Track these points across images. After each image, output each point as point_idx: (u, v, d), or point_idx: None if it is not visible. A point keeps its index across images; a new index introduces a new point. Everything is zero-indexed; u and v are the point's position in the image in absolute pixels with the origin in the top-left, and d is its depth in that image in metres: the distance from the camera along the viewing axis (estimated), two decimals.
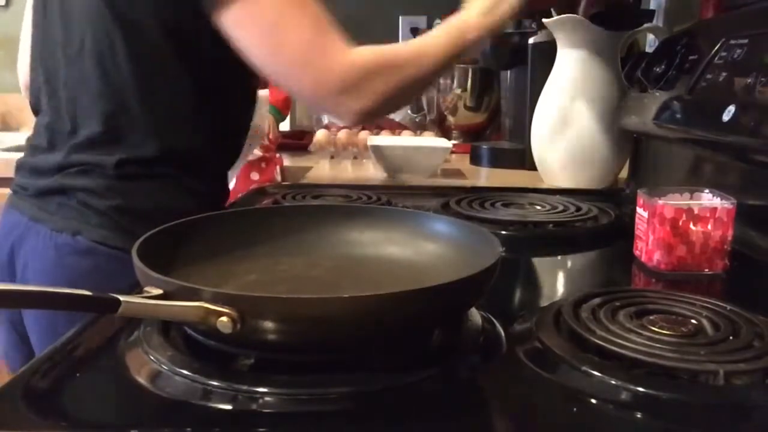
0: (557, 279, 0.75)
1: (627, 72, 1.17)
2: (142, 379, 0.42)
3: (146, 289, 0.43)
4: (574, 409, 0.40)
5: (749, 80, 0.72)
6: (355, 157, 1.58)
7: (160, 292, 0.42)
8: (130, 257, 0.47)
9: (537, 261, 0.78)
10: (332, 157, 1.61)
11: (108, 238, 0.81)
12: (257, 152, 1.53)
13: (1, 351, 0.95)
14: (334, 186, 1.13)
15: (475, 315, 0.50)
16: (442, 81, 1.78)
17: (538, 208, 0.92)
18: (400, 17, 2.12)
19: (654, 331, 0.46)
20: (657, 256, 0.68)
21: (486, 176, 1.40)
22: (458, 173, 1.40)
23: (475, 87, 1.77)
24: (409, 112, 1.98)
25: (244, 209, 0.73)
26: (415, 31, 2.11)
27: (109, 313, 0.41)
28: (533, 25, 1.38)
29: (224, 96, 0.90)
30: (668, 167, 0.99)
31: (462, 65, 1.76)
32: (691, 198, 0.70)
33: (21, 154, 0.93)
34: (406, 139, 1.55)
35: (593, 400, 0.40)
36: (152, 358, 0.44)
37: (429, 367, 0.43)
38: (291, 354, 0.43)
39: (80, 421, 0.40)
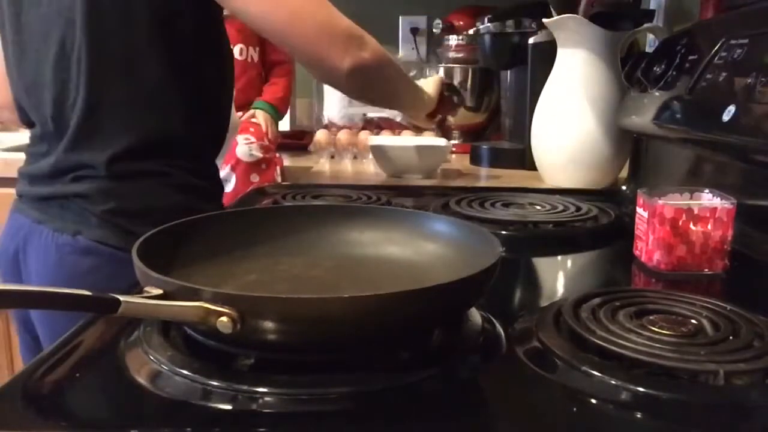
0: (557, 279, 0.75)
1: (627, 72, 1.17)
2: (142, 379, 0.42)
3: (146, 289, 0.43)
4: (574, 409, 0.40)
5: (749, 80, 0.72)
6: (355, 157, 1.58)
7: (160, 292, 0.42)
8: (129, 257, 0.47)
9: (537, 261, 0.78)
10: (332, 157, 1.61)
11: (107, 238, 0.82)
12: (257, 153, 1.53)
13: (21, 354, 0.98)
14: (334, 186, 1.13)
15: (475, 315, 0.50)
16: None
17: (538, 208, 0.92)
18: (400, 17, 2.12)
19: (654, 331, 0.46)
20: (657, 256, 0.67)
21: (486, 176, 1.40)
22: (458, 173, 1.40)
23: (475, 87, 1.77)
24: None
25: (244, 209, 0.73)
26: (415, 31, 2.11)
27: (109, 313, 0.41)
28: (533, 25, 1.38)
29: (200, 77, 0.90)
30: (668, 167, 0.99)
31: (462, 65, 1.76)
32: (691, 198, 0.70)
33: (21, 154, 0.94)
34: (406, 139, 1.55)
35: (593, 400, 0.40)
36: (152, 358, 0.44)
37: (429, 367, 0.43)
38: (291, 354, 0.43)
39: (80, 421, 0.40)
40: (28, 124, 0.93)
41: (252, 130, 1.59)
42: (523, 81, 1.39)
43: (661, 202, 0.67)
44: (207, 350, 0.44)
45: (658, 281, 0.67)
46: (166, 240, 0.53)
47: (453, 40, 1.77)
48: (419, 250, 0.59)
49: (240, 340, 0.42)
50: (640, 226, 0.70)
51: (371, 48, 0.86)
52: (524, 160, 1.36)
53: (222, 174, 1.37)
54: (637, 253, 0.71)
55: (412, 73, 2.03)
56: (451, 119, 1.81)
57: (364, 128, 1.75)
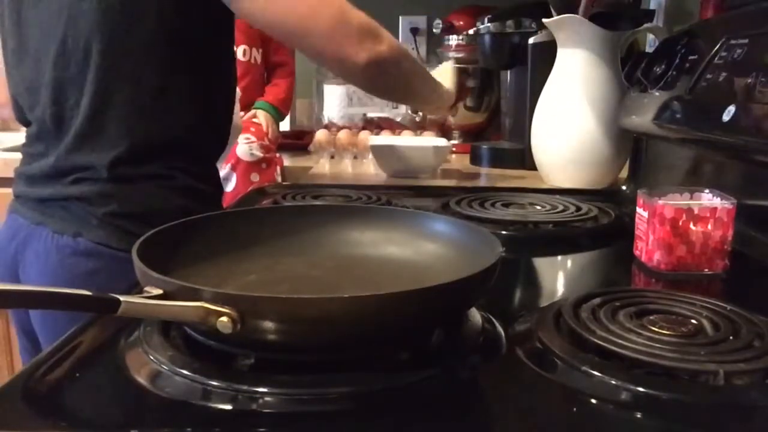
0: (557, 279, 0.75)
1: (627, 72, 1.17)
2: (142, 379, 0.42)
3: (146, 289, 0.43)
4: (574, 409, 0.40)
5: (749, 80, 0.72)
6: (355, 157, 1.58)
7: (160, 292, 0.42)
8: (130, 257, 0.47)
9: (537, 261, 0.78)
10: (332, 157, 1.60)
11: (108, 239, 0.82)
12: (257, 153, 1.53)
13: (21, 356, 0.98)
14: (334, 186, 1.13)
15: (475, 315, 0.50)
16: None
17: (538, 208, 0.92)
18: (400, 17, 2.12)
19: (654, 331, 0.46)
20: (657, 256, 0.67)
21: (486, 176, 1.40)
22: (458, 173, 1.40)
23: (475, 87, 1.77)
24: (409, 112, 1.98)
25: (244, 209, 0.73)
26: (415, 31, 2.11)
27: (109, 313, 0.41)
28: (533, 25, 1.38)
29: (206, 81, 0.90)
30: (668, 167, 0.99)
31: (462, 65, 1.76)
32: (691, 198, 0.70)
33: (20, 155, 0.94)
34: (406, 139, 1.55)
35: (593, 400, 0.40)
36: (152, 358, 0.44)
37: (429, 367, 0.43)
38: (291, 354, 0.43)
39: (80, 421, 0.40)
40: (25, 122, 0.93)
41: (253, 129, 1.59)
42: (523, 81, 1.39)
43: (661, 202, 0.67)
44: (207, 350, 0.44)
45: (658, 281, 0.67)
46: (166, 240, 0.53)
47: (453, 40, 1.77)
48: (419, 250, 0.59)
49: (240, 340, 0.42)
50: (640, 226, 0.70)
51: (387, 41, 0.85)
52: (524, 160, 1.36)
53: (222, 173, 1.37)
54: (637, 253, 0.71)
55: None
56: (451, 119, 1.81)
57: (364, 128, 1.75)
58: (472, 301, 0.49)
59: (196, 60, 0.87)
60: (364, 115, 1.93)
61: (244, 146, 1.53)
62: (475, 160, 1.51)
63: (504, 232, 0.80)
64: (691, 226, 0.66)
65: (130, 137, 0.83)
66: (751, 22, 0.81)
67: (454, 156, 1.56)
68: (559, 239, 0.83)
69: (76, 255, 0.82)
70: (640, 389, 0.40)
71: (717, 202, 0.67)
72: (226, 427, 0.38)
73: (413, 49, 2.10)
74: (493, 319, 0.51)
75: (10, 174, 0.94)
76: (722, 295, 0.63)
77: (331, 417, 0.39)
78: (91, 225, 0.82)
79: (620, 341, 0.44)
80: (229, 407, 0.39)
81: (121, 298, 0.40)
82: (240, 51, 1.72)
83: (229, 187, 1.50)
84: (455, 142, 1.74)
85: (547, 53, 1.24)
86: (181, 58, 0.84)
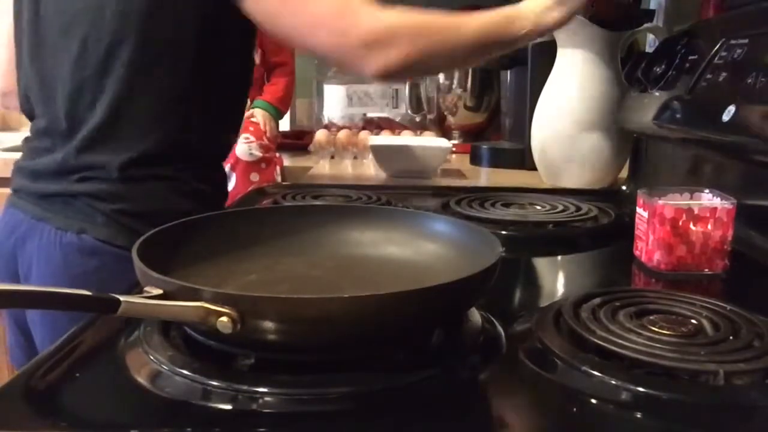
0: (557, 279, 0.75)
1: (627, 72, 1.17)
2: (142, 379, 0.42)
3: (146, 289, 0.43)
4: (574, 409, 0.40)
5: (749, 80, 0.72)
6: (355, 157, 1.58)
7: (160, 292, 0.42)
8: None
9: (537, 261, 0.78)
10: (332, 157, 1.61)
11: (114, 238, 0.81)
12: (257, 153, 1.53)
13: (9, 350, 0.96)
14: (334, 186, 1.13)
15: (475, 315, 0.50)
16: (442, 80, 1.78)
17: (538, 208, 0.92)
18: None
19: (654, 331, 0.46)
20: (657, 256, 0.67)
21: (486, 176, 1.40)
22: (458, 173, 1.40)
23: (475, 87, 1.77)
24: (409, 112, 1.98)
25: (244, 209, 0.73)
26: None
27: (109, 313, 0.41)
28: None
29: (224, 89, 0.90)
30: (668, 167, 0.99)
31: None
32: (691, 198, 0.70)
33: (20, 155, 0.93)
34: (406, 139, 1.55)
35: (593, 400, 0.40)
36: (152, 358, 0.44)
37: (429, 367, 0.43)
38: (291, 354, 0.43)
39: (80, 421, 0.40)
40: (30, 115, 0.92)
41: (251, 129, 1.59)
42: (523, 81, 1.39)
43: (661, 202, 0.67)
44: (207, 350, 0.44)
45: (658, 281, 0.67)
46: (166, 240, 0.53)
47: None
48: (419, 250, 0.59)
49: (240, 340, 0.42)
50: (640, 226, 0.70)
51: (397, 44, 0.79)
52: (524, 160, 1.36)
53: None
54: (637, 253, 0.71)
55: None
56: (451, 119, 1.81)
57: (364, 128, 1.75)
58: (472, 301, 0.49)
59: (219, 71, 0.87)
60: (364, 115, 1.94)
61: (243, 146, 1.53)
62: (475, 160, 1.51)
63: (504, 232, 0.80)
64: (691, 226, 0.66)
65: (144, 141, 0.82)
66: (751, 22, 0.81)
67: (454, 156, 1.56)
68: (559, 239, 0.83)
69: (80, 252, 0.81)
70: (640, 389, 0.40)
71: (717, 202, 0.67)
72: (226, 427, 0.38)
73: None
74: (493, 319, 0.51)
75: (10, 174, 0.94)
76: (722, 295, 0.63)
77: (331, 417, 0.39)
78: (96, 222, 0.81)
79: (620, 341, 0.44)
80: (229, 407, 0.39)
81: (121, 298, 0.40)
82: None
83: (229, 187, 1.50)
84: (455, 142, 1.74)
85: (547, 53, 1.24)
86: (205, 69, 0.85)
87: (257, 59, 1.77)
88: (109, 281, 0.78)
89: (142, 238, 0.50)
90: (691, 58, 0.89)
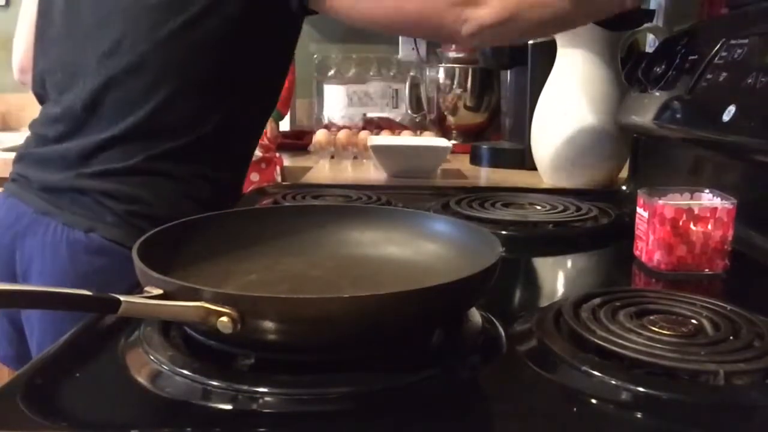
0: (557, 279, 0.75)
1: (627, 72, 1.17)
2: (142, 379, 0.42)
3: (146, 289, 0.43)
4: (574, 409, 0.40)
5: (749, 80, 0.72)
6: (355, 157, 1.58)
7: (160, 292, 0.42)
8: None
9: (537, 261, 0.78)
10: (332, 157, 1.61)
11: (124, 238, 0.79)
12: (257, 153, 1.53)
13: None
14: (334, 186, 1.13)
15: (475, 315, 0.50)
16: (442, 80, 1.78)
17: (538, 208, 0.92)
18: None
19: (654, 331, 0.46)
20: (657, 256, 0.67)
21: (486, 176, 1.40)
22: (458, 173, 1.40)
23: (475, 87, 1.77)
24: (409, 112, 1.99)
25: (244, 209, 0.73)
26: None
27: (110, 313, 0.41)
28: None
29: (257, 102, 0.91)
30: (668, 167, 0.99)
31: (462, 65, 1.76)
32: (691, 198, 0.70)
33: (24, 141, 0.92)
34: (406, 139, 1.55)
35: (593, 400, 0.40)
36: (152, 358, 0.44)
37: (429, 367, 0.43)
38: (291, 354, 0.43)
39: (80, 421, 0.40)
40: (42, 99, 0.90)
41: None
42: (523, 81, 1.39)
43: (661, 202, 0.67)
44: (207, 350, 0.44)
45: (659, 281, 0.67)
46: (166, 240, 0.53)
47: None
48: (419, 250, 0.59)
49: (240, 340, 0.42)
50: (640, 226, 0.70)
51: (487, 2, 0.79)
52: (524, 160, 1.36)
53: None
54: (637, 253, 0.71)
55: (411, 73, 2.03)
56: (451, 119, 1.81)
57: (364, 128, 1.75)
58: (472, 301, 0.49)
59: (257, 77, 0.88)
60: (364, 115, 1.94)
61: None
62: (475, 160, 1.51)
63: (504, 232, 0.80)
64: (691, 226, 0.66)
65: (166, 145, 0.82)
66: (751, 22, 0.81)
67: (454, 156, 1.56)
68: (559, 239, 0.83)
69: (87, 251, 0.80)
70: (640, 389, 0.40)
71: (717, 202, 0.67)
72: (226, 427, 0.38)
73: (413, 49, 2.10)
74: (493, 319, 0.51)
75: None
76: (722, 295, 0.63)
77: (331, 417, 0.39)
78: (106, 221, 0.80)
79: (620, 341, 0.44)
80: (229, 407, 0.39)
81: (121, 298, 0.40)
82: None
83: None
84: (455, 142, 1.74)
85: (547, 53, 1.24)
86: (243, 87, 0.86)
87: None
88: (115, 281, 0.77)
89: (142, 238, 0.50)
90: (691, 58, 0.89)
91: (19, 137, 1.02)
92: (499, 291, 0.54)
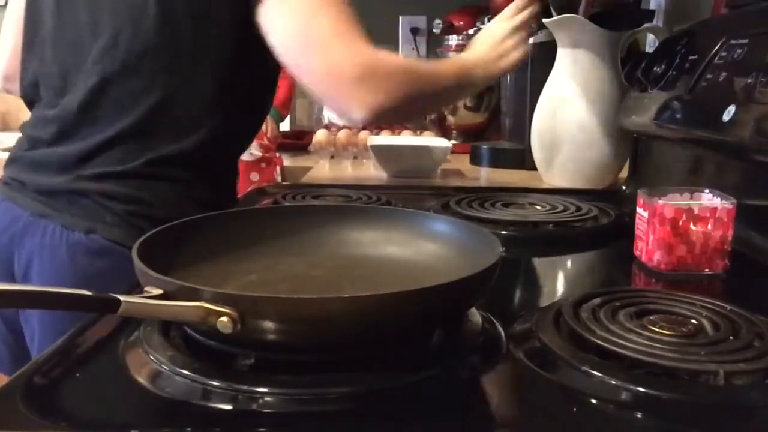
0: (557, 279, 0.75)
1: (627, 72, 1.17)
2: (142, 379, 0.42)
3: (146, 289, 0.43)
4: (574, 409, 0.40)
5: (749, 80, 0.72)
6: (355, 157, 1.58)
7: (160, 292, 0.42)
8: None
9: (537, 261, 0.78)
10: (332, 157, 1.60)
11: (125, 238, 0.79)
12: (257, 152, 1.53)
13: None
14: (334, 186, 1.13)
15: (475, 315, 0.50)
16: None
17: (538, 208, 0.92)
18: (400, 17, 2.12)
19: (654, 331, 0.46)
20: (657, 256, 0.67)
21: (486, 176, 1.40)
22: (458, 173, 1.40)
23: None
24: None
25: (244, 209, 0.73)
26: (415, 31, 2.11)
27: (109, 313, 0.41)
28: (533, 25, 1.38)
29: (252, 101, 0.91)
30: (668, 167, 0.99)
31: None
32: (691, 198, 0.70)
33: (15, 144, 0.90)
34: (406, 139, 1.55)
35: (593, 400, 0.40)
36: (152, 358, 0.44)
37: (429, 367, 0.43)
38: (291, 354, 0.43)
39: (80, 421, 0.40)
40: (32, 102, 0.90)
41: None
42: (523, 81, 1.39)
43: (661, 202, 0.67)
44: (207, 350, 0.44)
45: (658, 281, 0.67)
46: (166, 240, 0.53)
47: (453, 40, 1.77)
48: (419, 250, 0.59)
49: (240, 340, 0.42)
50: (640, 226, 0.70)
51: (385, 84, 0.80)
52: (524, 160, 1.36)
53: None
54: (637, 253, 0.71)
55: None
56: (451, 119, 1.81)
57: (364, 128, 1.75)
58: (472, 301, 0.49)
59: (253, 78, 0.88)
60: None
61: None
62: (475, 160, 1.51)
63: (504, 232, 0.80)
64: (691, 226, 0.66)
65: (172, 145, 0.82)
66: (752, 22, 0.81)
67: (454, 156, 1.56)
68: (559, 239, 0.83)
69: (88, 253, 0.79)
70: (640, 389, 0.40)
71: (717, 202, 0.67)
72: (226, 427, 0.38)
73: (413, 49, 2.10)
74: (493, 319, 0.51)
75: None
76: (722, 295, 0.63)
77: (331, 417, 0.39)
78: (106, 222, 0.80)
79: (620, 341, 0.44)
80: (229, 407, 0.39)
81: (121, 298, 0.40)
82: None
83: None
84: (455, 142, 1.74)
85: (547, 53, 1.24)
86: (240, 75, 0.85)
87: None
88: (116, 282, 0.77)
89: (142, 238, 0.50)
90: (691, 58, 0.89)
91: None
92: (499, 291, 0.54)
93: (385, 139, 1.55)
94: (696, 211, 0.66)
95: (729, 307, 0.50)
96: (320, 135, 1.64)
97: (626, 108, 1.05)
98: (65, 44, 0.85)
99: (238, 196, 1.14)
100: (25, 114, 0.94)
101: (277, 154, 1.63)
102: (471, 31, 1.69)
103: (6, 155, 1.02)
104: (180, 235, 0.55)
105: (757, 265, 0.71)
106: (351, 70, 0.78)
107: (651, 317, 0.49)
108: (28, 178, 0.84)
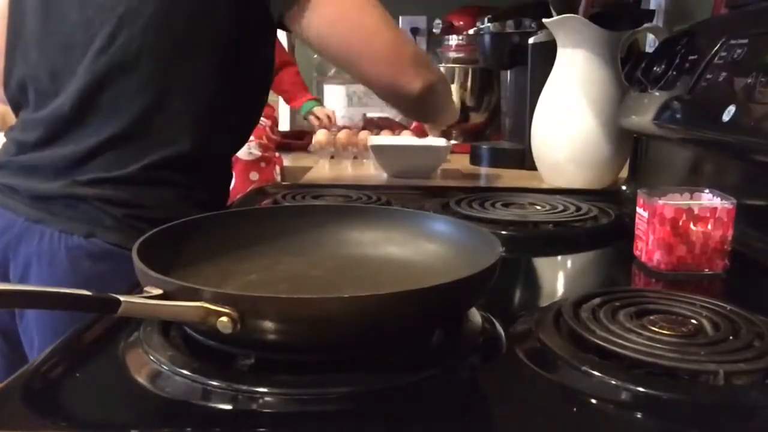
0: (557, 279, 0.75)
1: (627, 72, 1.17)
2: (142, 379, 0.42)
3: (146, 289, 0.43)
4: (574, 409, 0.40)
5: (749, 80, 0.72)
6: (355, 157, 1.58)
7: (160, 292, 0.42)
8: None
9: (537, 261, 0.78)
10: (332, 157, 1.61)
11: (125, 241, 0.78)
12: (257, 152, 1.53)
13: None
14: (334, 186, 1.13)
15: (475, 315, 0.50)
16: None
17: (538, 208, 0.92)
18: (400, 17, 2.12)
19: (654, 331, 0.46)
20: (657, 256, 0.67)
21: (486, 176, 1.40)
22: (458, 173, 1.40)
23: (475, 87, 1.77)
24: None
25: (244, 209, 0.73)
26: (415, 31, 2.11)
27: (109, 313, 0.41)
28: (533, 25, 1.38)
29: (248, 101, 0.92)
30: (668, 167, 0.99)
31: (462, 65, 1.76)
32: (691, 198, 0.70)
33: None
34: (406, 139, 1.55)
35: (593, 400, 0.40)
36: (152, 358, 0.44)
37: (429, 367, 0.43)
38: (291, 354, 0.43)
39: (80, 421, 0.40)
40: (18, 106, 0.88)
41: None
42: (523, 81, 1.39)
43: (661, 202, 0.67)
44: (207, 350, 0.44)
45: (658, 281, 0.67)
46: (166, 240, 0.53)
47: (453, 40, 1.77)
48: (419, 250, 0.59)
49: (240, 340, 0.42)
50: (640, 226, 0.70)
51: (436, 68, 0.93)
52: (524, 160, 1.36)
53: None
54: (637, 253, 0.71)
55: None
56: None
57: (364, 128, 1.75)
58: (472, 301, 0.49)
59: (247, 82, 0.88)
60: (364, 115, 1.94)
61: None
62: (475, 160, 1.51)
63: (504, 232, 0.80)
64: (691, 226, 0.66)
65: (166, 147, 0.82)
66: (751, 22, 0.81)
67: (454, 156, 1.56)
68: (559, 239, 0.83)
69: (90, 257, 0.78)
70: (640, 389, 0.40)
71: (717, 202, 0.67)
72: (226, 427, 0.38)
73: None
74: (493, 319, 0.51)
75: None
76: (722, 295, 0.63)
77: (331, 417, 0.39)
78: (105, 225, 0.79)
79: (620, 341, 0.44)
80: (229, 407, 0.39)
81: (121, 298, 0.40)
82: None
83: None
84: (455, 142, 1.74)
85: (547, 53, 1.24)
86: (237, 76, 0.85)
87: None
88: (118, 285, 0.77)
89: (142, 238, 0.50)
90: (691, 58, 0.89)
91: None
92: (499, 291, 0.54)
93: (385, 139, 1.55)
94: (696, 211, 0.66)
95: (729, 307, 0.50)
96: (320, 135, 1.64)
97: (626, 108, 1.05)
98: (54, 45, 0.84)
99: (238, 196, 1.14)
100: None
101: (277, 154, 1.63)
102: (471, 31, 1.69)
103: None
104: (180, 236, 0.55)
105: (757, 265, 0.71)
106: (409, 49, 0.89)
107: (651, 317, 0.49)
108: (20, 184, 0.83)
